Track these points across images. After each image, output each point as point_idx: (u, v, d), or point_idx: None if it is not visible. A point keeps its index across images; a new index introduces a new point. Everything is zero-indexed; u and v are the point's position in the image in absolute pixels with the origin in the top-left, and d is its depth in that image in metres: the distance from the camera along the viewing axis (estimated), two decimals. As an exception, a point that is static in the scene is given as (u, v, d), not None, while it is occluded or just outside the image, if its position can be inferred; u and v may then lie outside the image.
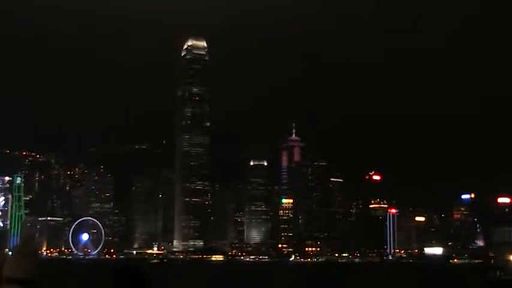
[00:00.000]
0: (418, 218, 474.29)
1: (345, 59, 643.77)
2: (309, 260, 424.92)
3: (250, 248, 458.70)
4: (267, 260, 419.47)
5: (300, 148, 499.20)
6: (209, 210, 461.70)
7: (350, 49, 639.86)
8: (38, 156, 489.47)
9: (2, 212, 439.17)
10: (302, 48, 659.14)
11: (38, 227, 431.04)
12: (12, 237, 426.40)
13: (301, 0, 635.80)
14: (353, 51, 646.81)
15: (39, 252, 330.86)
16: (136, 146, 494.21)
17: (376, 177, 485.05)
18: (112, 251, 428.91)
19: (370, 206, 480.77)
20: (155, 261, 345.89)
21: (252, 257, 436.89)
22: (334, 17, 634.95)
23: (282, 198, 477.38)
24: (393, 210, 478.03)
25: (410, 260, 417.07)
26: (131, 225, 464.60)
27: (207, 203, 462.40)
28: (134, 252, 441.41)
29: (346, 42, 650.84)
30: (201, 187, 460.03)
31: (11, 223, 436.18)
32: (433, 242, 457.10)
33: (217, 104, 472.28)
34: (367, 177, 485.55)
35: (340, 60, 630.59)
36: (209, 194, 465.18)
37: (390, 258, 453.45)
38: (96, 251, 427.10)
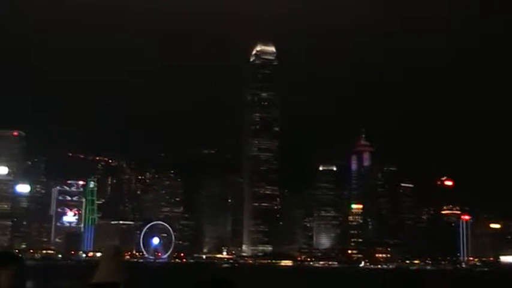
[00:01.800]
0: (492, 225, 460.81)
1: (412, 59, 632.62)
2: (379, 266, 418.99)
3: (319, 254, 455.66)
4: (336, 265, 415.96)
5: (369, 153, 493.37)
6: (278, 215, 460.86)
7: (415, 49, 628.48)
8: (110, 161, 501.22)
9: (76, 215, 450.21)
10: (368, 49, 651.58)
11: (110, 230, 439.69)
12: (85, 240, 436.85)
13: (365, 2, 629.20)
14: (418, 52, 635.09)
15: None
16: (206, 151, 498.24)
17: (448, 183, 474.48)
18: (182, 255, 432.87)
19: (442, 212, 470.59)
20: (226, 265, 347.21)
21: (321, 262, 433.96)
22: (398, 18, 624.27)
23: (351, 204, 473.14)
24: (466, 217, 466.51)
25: (486, 269, 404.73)
26: (200, 230, 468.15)
27: (275, 207, 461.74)
28: (204, 256, 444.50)
29: (411, 42, 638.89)
30: (269, 192, 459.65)
31: (84, 226, 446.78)
32: (510, 250, 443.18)
33: (286, 109, 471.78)
34: (438, 182, 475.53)
35: (407, 60, 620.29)
36: (278, 199, 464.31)
37: (464, 266, 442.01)
38: (167, 254, 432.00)
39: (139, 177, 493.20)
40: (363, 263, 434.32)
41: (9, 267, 6.42)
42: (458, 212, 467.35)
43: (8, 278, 6.36)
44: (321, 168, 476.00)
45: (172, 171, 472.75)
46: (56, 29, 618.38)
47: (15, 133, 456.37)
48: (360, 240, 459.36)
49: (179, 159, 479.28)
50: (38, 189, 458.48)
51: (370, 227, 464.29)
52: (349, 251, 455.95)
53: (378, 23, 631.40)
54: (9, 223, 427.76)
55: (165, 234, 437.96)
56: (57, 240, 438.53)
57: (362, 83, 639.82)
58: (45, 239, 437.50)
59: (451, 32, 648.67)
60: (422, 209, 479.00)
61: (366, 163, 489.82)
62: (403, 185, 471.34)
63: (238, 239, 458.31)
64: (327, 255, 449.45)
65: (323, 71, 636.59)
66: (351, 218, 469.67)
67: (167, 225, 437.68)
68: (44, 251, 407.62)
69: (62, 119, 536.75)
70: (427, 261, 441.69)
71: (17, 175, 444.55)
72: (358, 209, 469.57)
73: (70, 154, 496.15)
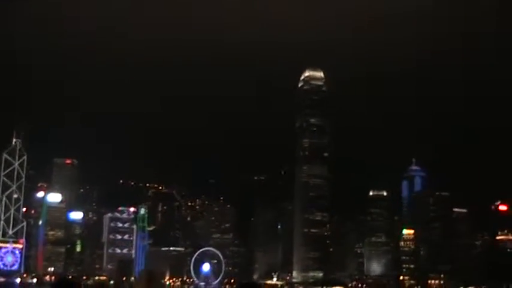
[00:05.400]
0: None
1: (460, 75, 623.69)
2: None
3: (370, 280, 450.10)
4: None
5: (420, 178, 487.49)
6: (328, 242, 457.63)
7: (472, 65, 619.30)
8: (160, 188, 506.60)
9: (128, 242, 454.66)
10: (416, 72, 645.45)
11: (161, 256, 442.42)
12: (137, 266, 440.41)
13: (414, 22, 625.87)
14: (463, 67, 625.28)
15: (161, 281, 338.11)
16: (256, 178, 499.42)
17: (503, 208, 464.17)
18: (232, 281, 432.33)
19: (497, 237, 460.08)
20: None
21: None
22: (460, 35, 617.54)
23: (402, 229, 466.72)
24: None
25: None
26: (251, 256, 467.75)
27: (326, 234, 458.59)
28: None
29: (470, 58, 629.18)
30: (320, 218, 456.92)
31: (136, 253, 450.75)
32: None
33: (336, 135, 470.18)
34: (493, 207, 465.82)
35: (463, 76, 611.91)
36: (328, 225, 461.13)
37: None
38: (217, 281, 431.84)
39: (190, 203, 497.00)
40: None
41: None
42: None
43: None
44: (371, 194, 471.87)
45: (222, 198, 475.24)
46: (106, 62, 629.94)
47: (69, 161, 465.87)
48: (412, 266, 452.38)
49: (229, 186, 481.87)
50: (90, 216, 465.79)
51: (422, 253, 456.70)
52: (401, 277, 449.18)
53: (425, 42, 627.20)
54: (63, 250, 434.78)
55: (216, 261, 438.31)
56: (109, 266, 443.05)
57: (413, 106, 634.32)
58: (97, 266, 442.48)
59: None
60: (477, 234, 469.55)
61: (417, 188, 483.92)
62: (456, 210, 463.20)
63: (289, 265, 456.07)
64: (379, 281, 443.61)
65: (371, 97, 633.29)
66: (402, 244, 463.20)
67: (217, 252, 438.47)
68: (97, 277, 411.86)
69: (113, 148, 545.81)
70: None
71: (70, 202, 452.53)
72: (409, 234, 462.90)
73: (121, 181, 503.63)
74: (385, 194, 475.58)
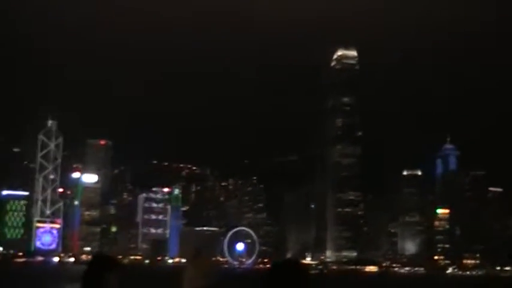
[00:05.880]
0: None
1: (491, 59, 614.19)
2: (467, 272, 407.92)
3: (404, 259, 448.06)
4: (422, 271, 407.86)
5: (455, 157, 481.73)
6: (362, 221, 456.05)
7: (494, 49, 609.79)
8: (194, 168, 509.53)
9: (162, 222, 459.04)
10: (447, 49, 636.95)
11: (194, 236, 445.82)
12: (171, 246, 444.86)
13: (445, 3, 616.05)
14: (497, 51, 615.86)
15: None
16: (288, 158, 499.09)
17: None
18: (266, 260, 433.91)
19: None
20: (314, 272, 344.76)
21: (406, 268, 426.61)
22: (478, 19, 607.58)
23: (437, 209, 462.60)
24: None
25: None
26: (284, 236, 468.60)
27: (359, 213, 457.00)
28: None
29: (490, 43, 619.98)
30: (353, 197, 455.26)
31: (169, 232, 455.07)
32: None
33: (368, 114, 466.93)
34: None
35: (486, 60, 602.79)
36: (361, 205, 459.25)
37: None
38: (251, 260, 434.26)
39: (223, 184, 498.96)
40: (450, 269, 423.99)
41: (116, 271, 6.94)
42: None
43: (115, 280, 6.85)
44: (405, 173, 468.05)
45: (254, 178, 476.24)
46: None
47: (103, 142, 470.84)
48: (447, 245, 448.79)
49: (262, 166, 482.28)
50: (125, 197, 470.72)
51: (457, 232, 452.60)
52: (436, 257, 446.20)
53: (456, 22, 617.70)
54: (98, 229, 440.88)
55: (249, 240, 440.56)
56: (143, 246, 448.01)
57: (445, 85, 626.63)
58: (132, 245, 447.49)
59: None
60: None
61: (452, 167, 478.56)
62: (491, 189, 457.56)
63: (322, 244, 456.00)
64: (413, 261, 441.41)
65: (405, 73, 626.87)
66: (436, 223, 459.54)
67: (251, 231, 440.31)
68: (132, 257, 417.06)
69: (146, 128, 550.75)
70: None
71: (105, 183, 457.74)
72: (444, 214, 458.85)
73: (155, 162, 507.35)
74: (419, 173, 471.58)
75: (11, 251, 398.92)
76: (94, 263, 7.10)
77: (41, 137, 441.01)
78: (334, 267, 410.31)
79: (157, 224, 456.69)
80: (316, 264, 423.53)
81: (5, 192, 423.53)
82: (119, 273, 6.99)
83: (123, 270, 7.06)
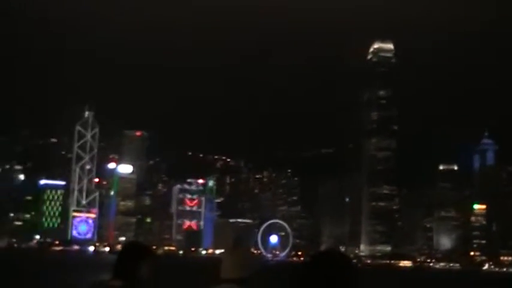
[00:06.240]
0: None
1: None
2: (504, 269, 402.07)
3: (439, 255, 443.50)
4: (458, 267, 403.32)
5: (493, 151, 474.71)
6: (396, 215, 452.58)
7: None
8: (228, 160, 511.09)
9: (196, 213, 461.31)
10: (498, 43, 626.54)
11: (228, 228, 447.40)
12: (205, 237, 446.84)
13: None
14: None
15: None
16: (323, 151, 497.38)
17: None
18: (299, 253, 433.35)
19: None
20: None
21: (441, 264, 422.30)
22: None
23: (473, 204, 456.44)
24: None
25: None
26: (318, 229, 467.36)
27: (394, 207, 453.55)
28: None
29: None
30: (388, 191, 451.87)
31: (204, 224, 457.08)
32: None
33: (404, 107, 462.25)
34: None
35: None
36: (396, 199, 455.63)
37: None
38: (285, 253, 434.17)
39: (257, 176, 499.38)
40: (486, 265, 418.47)
41: (150, 259, 6.84)
42: None
43: (149, 268, 6.75)
44: (441, 167, 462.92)
45: (289, 171, 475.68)
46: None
47: (139, 133, 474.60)
48: (483, 242, 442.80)
49: (297, 159, 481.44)
50: (160, 188, 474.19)
51: (493, 228, 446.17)
52: (472, 253, 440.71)
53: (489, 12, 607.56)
54: (134, 220, 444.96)
55: (283, 233, 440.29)
56: (178, 237, 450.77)
57: (484, 78, 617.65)
58: (166, 236, 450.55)
59: None
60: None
61: (490, 162, 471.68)
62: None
63: (356, 238, 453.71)
64: (448, 256, 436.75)
65: (442, 67, 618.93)
66: (473, 218, 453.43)
67: (285, 224, 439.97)
68: (166, 247, 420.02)
69: (180, 120, 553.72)
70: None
71: (141, 174, 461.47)
72: (481, 209, 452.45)
73: (189, 154, 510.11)
74: (455, 167, 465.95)
75: (48, 240, 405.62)
76: (127, 251, 6.95)
77: (77, 127, 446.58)
78: (368, 261, 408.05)
79: (192, 215, 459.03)
80: (352, 258, 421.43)
81: (42, 182, 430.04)
82: (152, 262, 6.86)
83: (156, 260, 6.94)
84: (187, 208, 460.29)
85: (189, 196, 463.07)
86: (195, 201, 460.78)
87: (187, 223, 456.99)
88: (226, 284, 6.69)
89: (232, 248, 6.79)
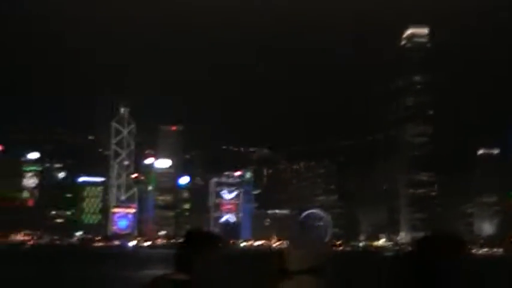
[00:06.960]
0: None
1: None
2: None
3: (481, 240, 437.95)
4: (501, 253, 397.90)
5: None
6: (435, 202, 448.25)
7: None
8: (265, 152, 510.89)
9: (234, 205, 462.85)
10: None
11: (267, 219, 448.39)
12: (243, 229, 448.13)
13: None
14: None
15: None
16: (359, 140, 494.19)
17: None
18: (339, 243, 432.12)
19: None
20: (389, 253, 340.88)
21: (484, 249, 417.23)
22: None
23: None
24: None
25: None
26: (356, 218, 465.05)
27: (432, 194, 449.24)
28: (360, 244, 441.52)
29: None
30: (426, 178, 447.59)
31: (242, 216, 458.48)
32: None
33: (441, 92, 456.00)
34: None
35: None
36: (435, 185, 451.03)
37: None
38: (324, 242, 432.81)
39: (294, 166, 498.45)
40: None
41: (217, 248, 6.18)
42: None
43: (216, 257, 6.07)
44: (480, 152, 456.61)
45: (327, 160, 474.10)
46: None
47: (174, 128, 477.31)
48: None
49: (334, 148, 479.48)
50: (197, 181, 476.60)
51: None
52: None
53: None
54: (172, 214, 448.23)
55: (321, 223, 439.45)
56: (216, 230, 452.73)
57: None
58: (205, 229, 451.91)
59: None
60: None
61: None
62: None
63: (395, 226, 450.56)
64: (490, 242, 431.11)
65: (479, 51, 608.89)
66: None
67: (323, 214, 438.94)
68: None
69: (217, 113, 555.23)
70: None
71: (178, 168, 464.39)
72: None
73: (225, 147, 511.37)
74: (495, 152, 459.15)
75: (89, 236, 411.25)
76: (191, 240, 6.08)
77: (114, 124, 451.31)
78: (410, 248, 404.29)
79: (229, 207, 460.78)
80: (392, 246, 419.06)
81: (81, 179, 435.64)
82: (219, 252, 6.07)
83: (224, 249, 6.20)
84: (225, 200, 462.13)
85: (226, 188, 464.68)
86: (233, 194, 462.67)
87: (225, 215, 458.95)
88: (300, 276, 6.47)
89: (298, 240, 6.90)
